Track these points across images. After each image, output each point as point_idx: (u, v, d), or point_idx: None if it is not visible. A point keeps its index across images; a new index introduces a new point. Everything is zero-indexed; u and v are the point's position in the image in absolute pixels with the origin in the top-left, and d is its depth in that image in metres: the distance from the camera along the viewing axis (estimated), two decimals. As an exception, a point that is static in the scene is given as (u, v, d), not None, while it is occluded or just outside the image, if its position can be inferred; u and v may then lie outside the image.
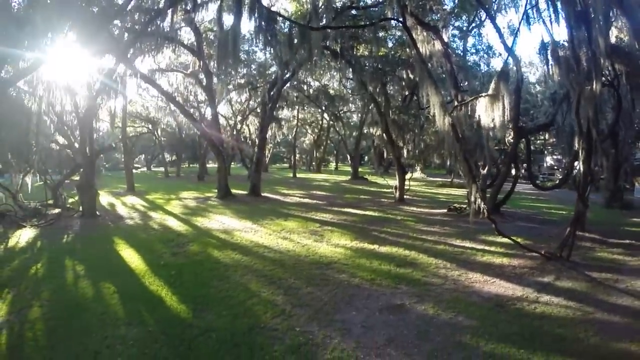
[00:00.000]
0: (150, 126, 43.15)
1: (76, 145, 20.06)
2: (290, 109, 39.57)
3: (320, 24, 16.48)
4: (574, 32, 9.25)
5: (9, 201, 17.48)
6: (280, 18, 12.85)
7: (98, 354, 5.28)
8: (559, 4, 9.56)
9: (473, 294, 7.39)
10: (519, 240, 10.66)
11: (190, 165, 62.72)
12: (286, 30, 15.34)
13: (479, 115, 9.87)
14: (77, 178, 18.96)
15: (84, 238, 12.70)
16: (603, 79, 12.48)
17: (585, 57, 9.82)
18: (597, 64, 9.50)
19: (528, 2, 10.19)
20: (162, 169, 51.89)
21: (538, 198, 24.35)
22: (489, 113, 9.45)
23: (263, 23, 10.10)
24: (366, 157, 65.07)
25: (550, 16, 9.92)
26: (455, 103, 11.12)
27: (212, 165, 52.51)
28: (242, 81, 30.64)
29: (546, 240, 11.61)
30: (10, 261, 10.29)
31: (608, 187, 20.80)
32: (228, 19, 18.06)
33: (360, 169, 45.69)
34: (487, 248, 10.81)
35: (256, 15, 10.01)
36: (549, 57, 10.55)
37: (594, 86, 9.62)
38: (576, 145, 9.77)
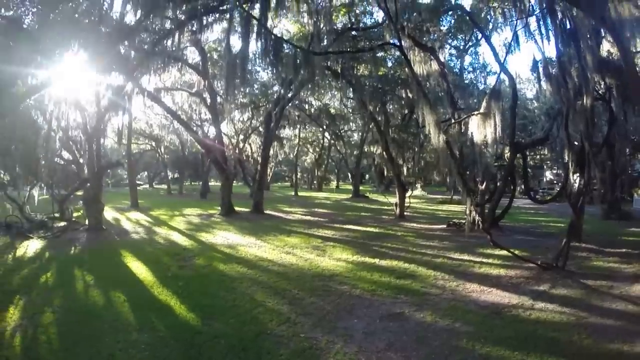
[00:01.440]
0: (153, 143, 43.78)
1: (81, 160, 20.55)
2: (292, 127, 40.21)
3: (322, 44, 17.07)
4: (562, 50, 9.74)
5: (15, 213, 17.87)
6: (286, 44, 13.33)
7: (112, 357, 5.55)
8: (549, 23, 10.05)
9: (470, 302, 7.65)
10: (516, 252, 10.95)
11: (192, 183, 63.17)
12: (288, 50, 15.94)
13: (471, 133, 10.29)
14: (80, 193, 19.37)
15: (91, 250, 13.03)
16: (596, 93, 12.95)
17: (577, 72, 10.28)
18: (586, 80, 9.94)
19: (518, 23, 10.69)
20: (164, 186, 52.37)
21: (537, 212, 24.59)
22: (481, 130, 9.87)
23: (270, 48, 10.60)
24: (367, 176, 65.47)
25: (541, 34, 10.45)
26: (453, 120, 11.54)
27: (213, 183, 53.01)
28: (245, 100, 31.25)
29: (543, 251, 11.89)
30: (20, 270, 10.64)
31: (605, 199, 21.12)
32: (233, 39, 18.67)
33: (361, 187, 46.04)
34: (484, 260, 11.08)
35: (262, 40, 10.53)
36: (541, 74, 11.03)
37: (585, 101, 10.05)
38: (566, 158, 10.14)
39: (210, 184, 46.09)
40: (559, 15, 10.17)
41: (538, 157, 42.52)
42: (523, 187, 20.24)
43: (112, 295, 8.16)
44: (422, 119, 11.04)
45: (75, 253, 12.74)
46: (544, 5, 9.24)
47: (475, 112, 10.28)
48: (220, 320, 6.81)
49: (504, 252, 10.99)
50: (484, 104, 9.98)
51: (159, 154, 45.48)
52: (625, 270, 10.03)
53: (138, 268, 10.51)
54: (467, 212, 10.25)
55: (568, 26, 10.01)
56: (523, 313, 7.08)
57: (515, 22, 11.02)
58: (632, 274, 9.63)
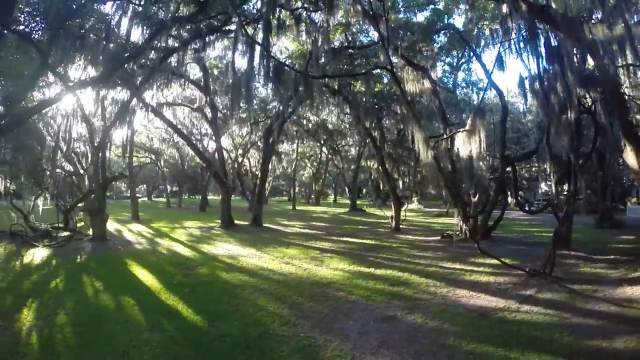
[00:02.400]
0: (153, 157, 44.31)
1: (81, 171, 21.08)
2: (290, 142, 40.85)
3: (320, 61, 17.78)
4: (546, 67, 10.43)
5: (20, 221, 18.31)
6: (287, 68, 13.98)
7: (126, 353, 6.00)
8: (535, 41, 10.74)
9: (459, 306, 8.14)
10: (506, 260, 11.48)
11: (191, 197, 63.55)
12: (288, 69, 16.62)
13: (457, 148, 10.90)
14: (81, 204, 19.80)
15: (97, 259, 13.48)
16: (582, 106, 13.60)
17: (562, 88, 10.93)
18: (570, 95, 10.59)
19: (505, 43, 11.37)
20: (162, 199, 52.76)
21: (530, 223, 25.11)
22: (467, 146, 10.48)
23: (271, 70, 11.28)
24: (364, 190, 66.06)
25: (527, 52, 11.12)
26: (442, 137, 12.15)
27: (211, 197, 53.39)
28: (244, 115, 31.91)
29: (533, 259, 12.42)
30: (29, 276, 11.07)
31: (597, 209, 21.69)
32: (231, 56, 19.36)
33: (358, 201, 46.54)
34: (475, 269, 11.59)
35: (265, 63, 11.20)
36: (527, 90, 11.70)
37: (569, 115, 10.69)
38: (548, 170, 10.74)
39: (208, 197, 46.49)
40: (544, 34, 10.90)
41: (534, 169, 43.26)
42: (513, 198, 20.80)
43: (121, 299, 8.61)
44: (411, 136, 11.65)
45: (81, 261, 13.19)
46: (526, 27, 9.90)
47: (461, 130, 10.91)
48: (225, 322, 7.27)
49: (494, 261, 11.50)
50: (469, 121, 10.61)
51: (158, 167, 46.00)
52: (611, 275, 10.57)
53: (144, 276, 10.96)
54: (455, 222, 10.78)
55: (554, 44, 10.74)
56: (509, 315, 7.58)
57: (499, 43, 11.69)
58: (616, 279, 10.16)
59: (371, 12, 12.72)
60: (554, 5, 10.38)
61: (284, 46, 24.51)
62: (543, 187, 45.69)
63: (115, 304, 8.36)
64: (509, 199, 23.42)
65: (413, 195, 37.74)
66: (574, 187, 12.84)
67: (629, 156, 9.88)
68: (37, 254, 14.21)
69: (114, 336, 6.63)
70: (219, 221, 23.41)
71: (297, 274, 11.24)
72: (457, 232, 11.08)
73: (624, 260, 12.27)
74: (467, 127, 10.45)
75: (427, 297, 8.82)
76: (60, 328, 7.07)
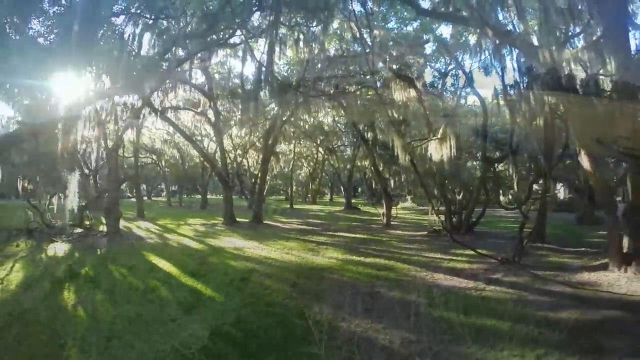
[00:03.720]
0: (154, 157, 45.63)
1: (86, 172, 22.45)
2: (287, 143, 42.25)
3: (316, 68, 19.31)
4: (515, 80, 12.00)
5: (36, 219, 19.69)
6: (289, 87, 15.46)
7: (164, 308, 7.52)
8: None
9: (434, 286, 9.68)
10: (481, 250, 13.01)
11: (189, 196, 64.83)
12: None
13: (430, 153, 12.47)
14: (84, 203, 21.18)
15: (115, 251, 14.93)
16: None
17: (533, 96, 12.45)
18: (541, 103, 12.09)
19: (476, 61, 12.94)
20: (161, 198, 54.03)
21: (516, 219, 26.57)
22: (439, 152, 12.03)
23: (275, 88, 12.84)
24: (359, 189, 67.52)
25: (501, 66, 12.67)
26: (419, 143, 13.70)
27: (210, 196, 54.69)
28: (244, 118, 33.33)
29: (507, 250, 13.87)
30: (57, 266, 12.49)
31: (579, 207, 23.24)
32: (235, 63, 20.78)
33: (353, 200, 47.96)
34: (453, 258, 13.11)
35: (269, 81, 12.76)
36: (500, 100, 13.26)
37: (538, 121, 12.24)
38: (511, 170, 12.26)
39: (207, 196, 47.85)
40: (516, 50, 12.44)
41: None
42: (505, 197, 22.34)
43: (148, 282, 10.12)
44: (391, 143, 13.15)
45: (102, 253, 14.62)
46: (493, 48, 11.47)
47: (433, 138, 12.46)
48: (238, 297, 8.80)
49: (472, 252, 13.02)
50: (441, 130, 12.17)
51: (159, 167, 47.31)
52: (574, 264, 12.04)
53: (162, 264, 12.43)
54: (430, 216, 12.27)
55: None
56: (474, 293, 9.13)
57: (471, 63, 13.23)
58: (579, 266, 11.64)
59: (359, 33, 14.26)
60: (521, 27, 11.89)
61: (283, 52, 25.77)
62: (534, 187, 47.13)
63: (144, 286, 9.86)
64: (502, 198, 24.93)
65: (406, 194, 39.12)
66: (545, 186, 14.41)
67: (584, 160, 11.37)
68: (58, 248, 15.64)
69: (152, 304, 8.15)
70: (221, 218, 24.84)
71: (296, 262, 12.74)
72: (434, 227, 12.56)
73: (591, 252, 13.68)
74: (439, 136, 11.99)
75: (407, 279, 10.36)
76: (102, 303, 8.57)
